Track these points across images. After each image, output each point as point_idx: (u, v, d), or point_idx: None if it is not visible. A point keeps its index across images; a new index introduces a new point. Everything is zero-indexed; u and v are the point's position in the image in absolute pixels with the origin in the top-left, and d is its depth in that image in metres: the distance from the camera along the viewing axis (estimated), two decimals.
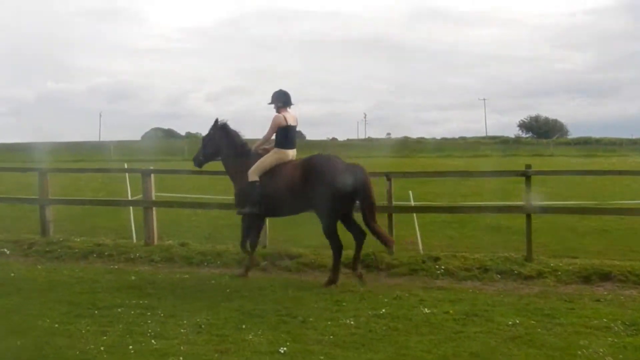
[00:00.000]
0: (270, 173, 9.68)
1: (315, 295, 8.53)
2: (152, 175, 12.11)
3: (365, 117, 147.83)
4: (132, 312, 7.58)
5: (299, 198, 9.37)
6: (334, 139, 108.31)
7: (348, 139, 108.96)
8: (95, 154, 60.04)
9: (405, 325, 7.08)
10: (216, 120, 10.35)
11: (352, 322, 7.17)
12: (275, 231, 12.23)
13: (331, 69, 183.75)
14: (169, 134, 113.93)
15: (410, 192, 11.84)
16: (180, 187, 20.60)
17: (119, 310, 7.69)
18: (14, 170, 17.82)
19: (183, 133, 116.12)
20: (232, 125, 10.28)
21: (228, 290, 8.79)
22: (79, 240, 12.12)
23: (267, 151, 9.96)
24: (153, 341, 6.52)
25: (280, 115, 9.83)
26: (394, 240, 9.69)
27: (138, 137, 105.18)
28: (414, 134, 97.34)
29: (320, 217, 9.38)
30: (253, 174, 9.68)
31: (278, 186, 9.53)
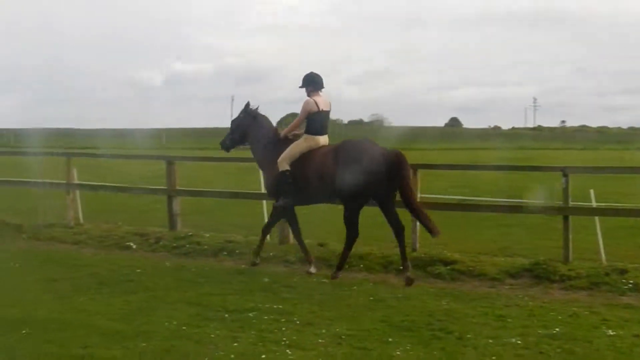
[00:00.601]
0: (301, 160, 10.32)
1: (473, 308, 8.39)
2: None
3: (534, 103, 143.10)
4: (265, 318, 7.79)
5: (330, 185, 10.04)
6: (496, 127, 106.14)
7: (513, 128, 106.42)
8: None
9: (584, 349, 6.81)
10: (247, 104, 11.12)
11: (518, 342, 6.99)
12: (427, 233, 12.13)
13: (493, 48, 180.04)
14: None
15: (592, 191, 11.37)
16: None
17: (251, 314, 7.93)
18: (141, 158, 18.78)
19: None
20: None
21: (372, 298, 8.83)
22: (208, 235, 12.62)
23: (297, 137, 10.60)
24: (288, 351, 6.67)
25: (311, 100, 10.42)
26: (439, 231, 9.93)
27: (273, 123, 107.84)
28: (594, 123, 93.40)
29: (345, 203, 10.11)
30: (283, 163, 10.34)
31: (309, 174, 10.23)
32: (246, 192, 13.94)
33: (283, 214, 10.93)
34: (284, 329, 7.40)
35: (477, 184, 21.93)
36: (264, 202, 13.11)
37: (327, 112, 10.63)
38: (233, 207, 16.77)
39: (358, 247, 11.64)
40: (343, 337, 7.14)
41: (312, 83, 10.54)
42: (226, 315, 7.90)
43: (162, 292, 9.00)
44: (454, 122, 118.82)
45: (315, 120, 10.45)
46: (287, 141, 10.65)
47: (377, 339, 7.11)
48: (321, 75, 10.59)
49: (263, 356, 6.52)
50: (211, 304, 8.42)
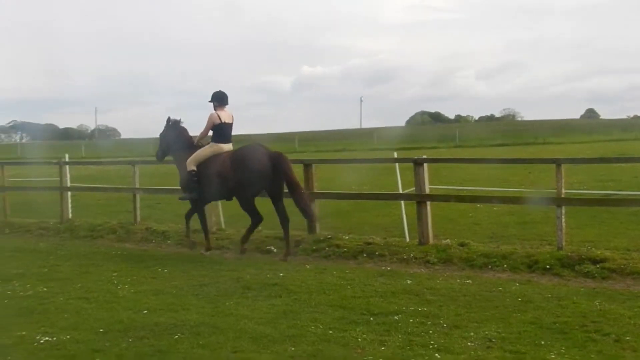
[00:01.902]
0: (207, 163, 12.46)
1: (629, 309, 8.01)
2: (425, 164, 12.23)
3: None
4: (411, 321, 7.70)
5: (227, 183, 12.21)
6: (635, 117, 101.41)
7: None
8: (357, 142, 62.44)
9: None
10: (168, 119, 13.39)
11: None
12: (576, 231, 11.73)
13: (628, 34, 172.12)
14: (436, 117, 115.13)
15: None
16: (455, 178, 20.73)
17: (396, 317, 7.86)
18: None
19: (452, 116, 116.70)
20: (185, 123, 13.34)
21: (520, 300, 8.57)
22: (347, 238, 12.66)
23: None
24: (437, 355, 6.55)
25: (214, 113, 12.54)
26: (316, 216, 12.71)
27: (402, 123, 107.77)
28: None
29: (240, 198, 12.38)
30: (190, 164, 12.54)
31: (212, 175, 12.31)
32: (384, 193, 13.90)
33: (195, 207, 12.93)
34: (430, 332, 7.29)
35: (621, 177, 21.02)
36: (402, 202, 13.02)
37: (230, 124, 12.74)
38: (371, 209, 16.76)
39: (501, 247, 11.41)
40: (493, 340, 6.96)
41: (218, 99, 12.61)
42: (371, 319, 7.86)
43: (305, 296, 9.06)
44: (591, 114, 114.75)
45: (219, 131, 12.57)
46: (199, 147, 12.77)
47: (529, 341, 6.88)
48: (226, 92, 12.67)
49: None
50: (355, 307, 8.41)
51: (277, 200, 12.41)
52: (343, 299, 8.80)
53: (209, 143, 12.76)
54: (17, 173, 25.06)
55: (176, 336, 7.37)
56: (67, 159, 17.32)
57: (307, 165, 13.44)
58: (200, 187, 12.53)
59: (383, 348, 6.81)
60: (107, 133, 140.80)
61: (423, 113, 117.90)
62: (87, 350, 6.97)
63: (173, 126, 13.29)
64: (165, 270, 10.95)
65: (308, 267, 11.13)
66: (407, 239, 12.44)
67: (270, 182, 12.16)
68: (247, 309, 8.43)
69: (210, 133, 12.72)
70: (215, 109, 12.58)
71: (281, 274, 10.44)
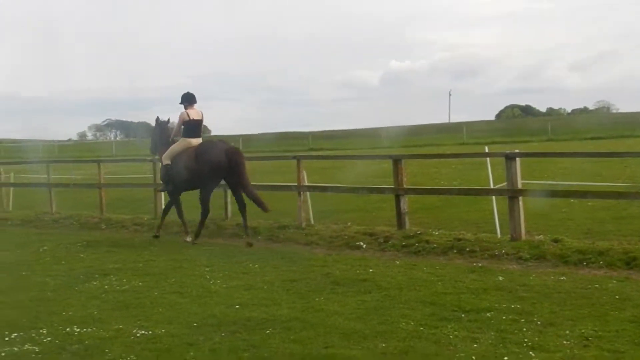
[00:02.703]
0: (179, 157, 14.02)
1: None
2: (518, 159, 12.02)
3: None
4: (504, 318, 7.59)
5: (193, 175, 13.78)
6: None
7: None
8: (445, 137, 61.85)
9: None
10: (157, 118, 15.33)
11: None
12: None
13: None
14: (527, 111, 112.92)
15: None
16: (547, 172, 20.32)
17: (488, 314, 7.76)
18: (367, 158, 19.14)
19: (543, 109, 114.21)
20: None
21: (617, 297, 8.33)
22: (437, 233, 12.56)
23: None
24: (531, 353, 6.44)
25: (184, 112, 14.20)
26: (267, 207, 13.55)
27: (491, 117, 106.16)
28: None
29: (202, 188, 13.83)
30: (165, 159, 14.28)
31: (182, 168, 13.94)
32: (475, 188, 13.74)
33: (174, 199, 14.54)
34: (524, 329, 7.16)
35: None
36: (493, 197, 12.84)
37: (198, 121, 14.33)
38: (460, 204, 16.58)
39: (597, 243, 11.13)
40: (589, 338, 6.79)
41: (187, 100, 14.30)
42: (462, 315, 7.78)
43: (395, 292, 9.04)
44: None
45: (188, 127, 14.21)
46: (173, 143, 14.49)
47: (628, 340, 6.69)
48: (194, 93, 14.35)
49: (505, 358, 6.35)
50: (446, 303, 8.34)
51: (235, 191, 14.01)
52: (434, 295, 8.74)
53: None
54: (112, 170, 25.83)
55: (268, 331, 7.47)
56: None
57: (396, 161, 13.39)
58: (174, 179, 14.23)
59: (475, 345, 6.74)
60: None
61: (513, 107, 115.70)
62: (181, 344, 7.14)
63: (159, 125, 15.19)
64: (256, 266, 11.10)
65: (397, 263, 11.10)
66: (499, 235, 12.26)
67: (227, 174, 13.76)
68: (337, 305, 8.47)
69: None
70: (185, 109, 14.25)
71: (371, 270, 10.45)
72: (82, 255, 12.70)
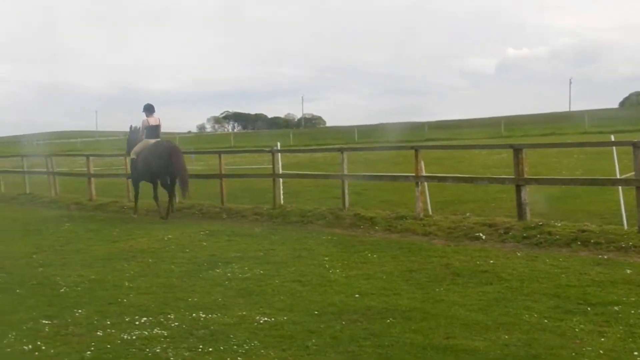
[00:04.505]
0: (140, 153, 18.05)
1: None
2: None
3: None
4: (632, 312, 7.35)
5: (149, 168, 17.67)
6: None
7: None
8: (566, 126, 60.14)
9: None
10: (130, 126, 19.27)
11: None
12: None
13: None
14: None
15: None
16: None
17: (616, 308, 7.53)
18: (486, 147, 18.88)
19: None
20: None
21: None
22: (559, 225, 12.24)
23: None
24: None
25: (145, 119, 18.31)
26: (188, 194, 17.81)
27: (614, 104, 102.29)
28: None
29: (162, 180, 17.82)
30: (132, 154, 18.56)
31: (141, 162, 17.93)
32: (600, 178, 13.30)
33: (135, 186, 18.74)
34: None
35: None
36: (620, 188, 12.39)
37: (156, 126, 18.40)
38: (583, 195, 16.11)
39: None
40: None
41: (147, 109, 18.35)
42: (588, 309, 7.57)
43: (517, 283, 8.89)
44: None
45: (148, 131, 18.27)
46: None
47: None
48: (152, 104, 18.44)
49: (635, 353, 6.15)
50: (570, 296, 8.14)
51: (169, 180, 17.83)
52: (557, 288, 8.54)
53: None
54: (232, 161, 26.47)
55: (388, 320, 7.51)
56: (278, 147, 18.05)
57: (517, 150, 13.12)
58: (137, 169, 18.18)
59: (603, 339, 6.55)
60: (312, 121, 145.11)
61: (638, 94, 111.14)
62: (303, 331, 7.27)
63: (133, 130, 19.04)
64: (375, 256, 11.14)
65: (519, 254, 10.89)
66: (625, 227, 11.83)
67: (169, 164, 17.44)
68: (457, 296, 8.41)
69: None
70: (146, 116, 18.31)
71: (491, 261, 10.31)
72: (204, 244, 13.09)
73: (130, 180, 19.35)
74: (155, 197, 18.14)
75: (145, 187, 18.47)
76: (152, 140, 18.04)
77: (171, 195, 17.92)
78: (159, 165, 17.43)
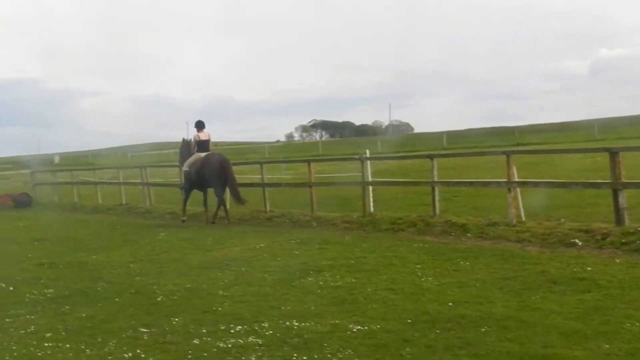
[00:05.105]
0: (192, 165, 19.98)
1: None
2: None
3: None
4: None
5: (202, 178, 19.62)
6: None
7: None
8: None
9: None
10: (183, 139, 21.47)
11: None
12: None
13: None
14: None
15: None
16: None
17: None
18: (580, 152, 18.40)
19: None
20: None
21: None
22: None
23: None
24: None
25: (196, 134, 20.36)
26: (244, 201, 19.29)
27: None
28: None
29: (215, 189, 19.59)
30: (184, 166, 20.42)
31: (194, 173, 19.80)
32: None
33: (186, 195, 20.67)
34: None
35: None
36: None
37: (206, 140, 20.40)
38: None
39: None
40: None
41: (197, 126, 20.42)
42: None
43: (617, 291, 8.64)
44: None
45: (199, 145, 20.25)
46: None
47: None
48: (203, 121, 20.56)
49: None
50: None
51: (222, 188, 19.54)
52: None
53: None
54: (320, 169, 26.61)
55: (483, 329, 7.40)
56: (367, 155, 18.05)
57: (613, 154, 12.75)
58: (191, 182, 20.18)
59: None
60: (400, 128, 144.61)
61: None
62: (397, 340, 7.24)
63: (185, 143, 21.11)
64: (467, 263, 11.01)
65: (617, 261, 10.58)
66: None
67: (220, 175, 19.36)
68: (554, 304, 8.22)
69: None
70: (197, 132, 20.38)
71: (589, 268, 10.05)
72: (296, 252, 13.19)
73: (182, 190, 21.01)
74: (205, 204, 20.03)
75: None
76: (203, 154, 20.02)
77: (220, 202, 19.56)
78: (211, 175, 19.32)
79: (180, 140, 21.98)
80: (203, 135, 20.40)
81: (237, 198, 19.18)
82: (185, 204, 20.64)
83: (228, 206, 19.97)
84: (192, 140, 20.56)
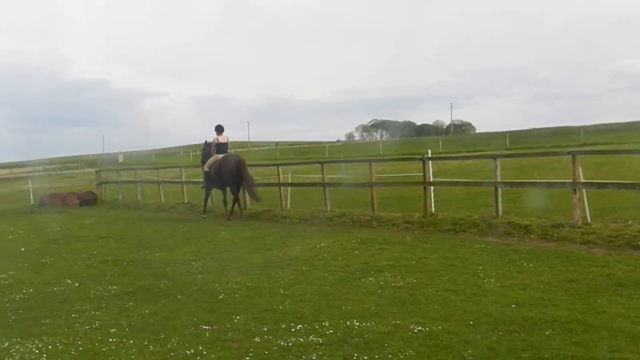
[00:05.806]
0: (212, 166, 21.83)
1: None
2: None
3: None
4: None
5: (220, 178, 21.47)
6: None
7: None
8: None
9: None
10: (205, 142, 23.09)
11: None
12: None
13: None
14: None
15: None
16: None
17: None
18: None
19: None
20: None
21: None
22: None
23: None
24: None
25: (215, 137, 22.23)
26: (260, 198, 21.22)
27: None
28: None
29: (231, 188, 21.48)
30: (205, 167, 22.36)
31: (214, 173, 21.72)
32: None
33: (207, 193, 22.79)
34: None
35: None
36: None
37: (225, 143, 22.30)
38: None
39: None
40: None
41: (217, 130, 22.33)
42: None
43: None
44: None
45: (218, 148, 22.12)
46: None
47: None
48: (222, 124, 22.61)
49: None
50: None
51: (237, 187, 21.34)
52: None
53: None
54: (381, 169, 26.54)
55: (547, 332, 7.30)
56: (429, 155, 17.94)
57: None
58: (210, 180, 22.14)
59: None
60: (462, 128, 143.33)
61: None
62: (459, 342, 7.18)
63: (207, 144, 22.82)
64: (531, 265, 10.86)
65: None
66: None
67: (235, 177, 21.04)
68: (621, 307, 8.07)
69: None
70: (216, 135, 22.24)
71: None
72: (356, 252, 13.19)
73: (204, 188, 22.91)
74: (224, 202, 21.90)
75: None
76: (221, 155, 21.98)
77: (235, 200, 21.53)
78: (228, 174, 21.11)
79: (203, 142, 23.81)
80: (222, 139, 22.44)
81: (252, 195, 21.25)
82: (206, 202, 22.86)
83: (249, 204, 22.24)
84: (212, 142, 22.41)
